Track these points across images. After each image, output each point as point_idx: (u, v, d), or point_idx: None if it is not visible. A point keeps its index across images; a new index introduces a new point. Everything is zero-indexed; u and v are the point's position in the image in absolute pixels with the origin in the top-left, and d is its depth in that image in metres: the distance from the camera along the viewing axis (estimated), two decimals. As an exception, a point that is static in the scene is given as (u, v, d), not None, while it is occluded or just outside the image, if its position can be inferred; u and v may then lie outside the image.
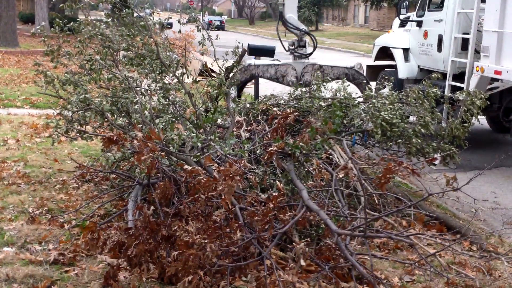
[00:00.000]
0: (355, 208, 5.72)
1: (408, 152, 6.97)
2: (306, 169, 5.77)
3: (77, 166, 7.08)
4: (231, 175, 4.29)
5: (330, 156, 6.38)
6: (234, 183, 4.27)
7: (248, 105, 7.43)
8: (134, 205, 5.00)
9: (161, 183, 4.84)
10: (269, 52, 11.64)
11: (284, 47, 9.71)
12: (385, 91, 7.65)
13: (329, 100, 7.39)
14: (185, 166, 4.74)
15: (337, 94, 7.52)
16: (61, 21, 6.94)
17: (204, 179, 4.47)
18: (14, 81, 15.64)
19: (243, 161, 5.04)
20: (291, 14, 9.50)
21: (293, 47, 9.77)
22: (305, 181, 5.54)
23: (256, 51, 11.40)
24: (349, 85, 7.79)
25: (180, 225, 4.36)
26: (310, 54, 9.73)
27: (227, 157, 5.19)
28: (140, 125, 5.84)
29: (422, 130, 6.95)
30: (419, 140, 6.85)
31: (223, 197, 4.31)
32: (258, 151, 6.03)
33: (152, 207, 4.59)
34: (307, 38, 9.97)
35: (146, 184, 5.34)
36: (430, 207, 6.70)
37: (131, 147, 5.09)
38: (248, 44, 10.96)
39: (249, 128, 6.92)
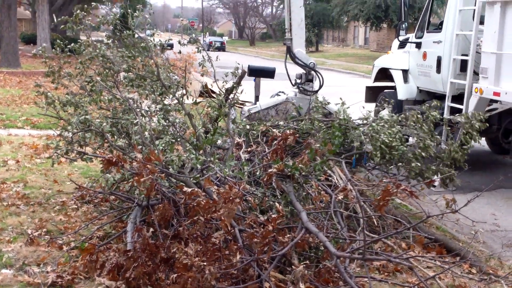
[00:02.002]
0: (354, 230, 5.71)
1: (407, 176, 6.98)
2: (305, 191, 5.77)
3: (77, 187, 7.08)
4: (231, 198, 4.29)
5: (329, 178, 6.38)
6: (234, 206, 4.27)
7: (248, 126, 7.44)
8: (133, 227, 4.99)
9: (160, 205, 4.83)
10: (269, 73, 11.68)
11: (291, 81, 9.56)
12: (385, 113, 7.67)
13: (329, 122, 7.41)
14: (185, 188, 4.74)
15: (336, 115, 7.55)
16: (62, 42, 6.99)
17: (204, 201, 4.46)
18: (15, 102, 15.69)
19: (242, 184, 5.04)
20: (300, 49, 9.49)
21: (300, 81, 9.52)
22: (304, 203, 5.54)
23: (256, 72, 11.44)
24: (348, 107, 7.80)
25: (179, 247, 4.35)
26: (317, 91, 9.35)
27: (227, 179, 5.19)
28: (140, 147, 5.85)
29: (423, 154, 6.96)
30: (418, 164, 6.86)
31: (222, 219, 4.31)
32: (258, 173, 6.03)
33: (151, 229, 4.59)
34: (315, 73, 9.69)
35: (146, 206, 5.33)
36: (429, 229, 6.69)
37: (131, 169, 5.09)
38: (248, 65, 11.01)
39: (249, 149, 6.93)
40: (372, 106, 10.68)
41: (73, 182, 6.96)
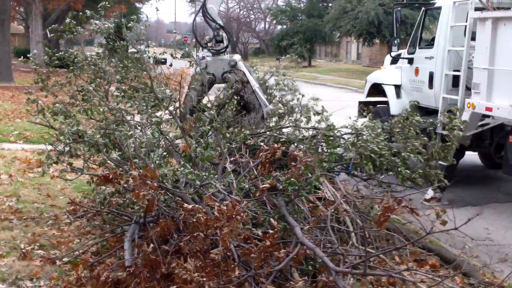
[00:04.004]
0: (346, 242, 5.71)
1: (400, 181, 7.01)
2: (296, 205, 5.76)
3: (70, 202, 7.06)
4: (234, 216, 4.28)
5: (317, 190, 6.36)
6: (238, 224, 4.27)
7: (228, 135, 7.36)
8: (131, 244, 4.96)
9: (161, 220, 4.80)
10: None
11: (199, 43, 9.32)
12: (367, 121, 7.74)
13: (313, 130, 7.44)
14: (185, 205, 4.72)
15: (320, 124, 7.57)
16: (50, 50, 6.96)
17: (204, 218, 4.45)
18: (8, 116, 15.67)
19: (245, 202, 5.02)
20: (213, 5, 9.13)
21: (210, 44, 9.14)
22: (297, 217, 5.54)
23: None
24: (331, 114, 7.79)
25: (178, 262, 4.34)
26: (225, 49, 9.04)
27: (229, 197, 5.13)
28: (135, 160, 5.83)
29: (411, 155, 6.99)
30: (408, 171, 6.89)
31: (222, 236, 4.30)
32: (246, 186, 5.99)
33: (151, 245, 4.57)
34: (224, 34, 9.27)
35: (142, 223, 5.28)
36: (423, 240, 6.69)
37: (127, 185, 5.05)
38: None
39: (232, 159, 6.89)
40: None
41: (68, 197, 6.94)
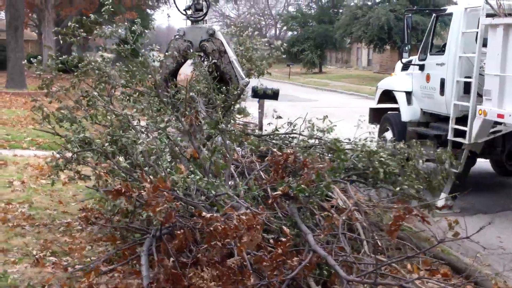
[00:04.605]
0: (357, 250, 5.69)
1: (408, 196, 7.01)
2: (308, 211, 5.76)
3: (81, 208, 7.10)
4: (254, 225, 4.27)
5: (328, 198, 6.35)
6: (258, 234, 4.26)
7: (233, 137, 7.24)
8: (147, 258, 4.94)
9: (179, 233, 4.76)
10: (273, 94, 11.72)
11: (179, 10, 8.86)
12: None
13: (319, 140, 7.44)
14: (203, 213, 4.71)
15: (325, 135, 7.56)
16: (53, 55, 6.97)
17: (222, 227, 4.43)
18: (20, 123, 15.77)
19: (265, 212, 5.00)
20: None
21: (189, 11, 8.72)
22: (308, 222, 5.52)
23: (259, 93, 11.49)
24: (336, 125, 7.77)
25: (196, 272, 4.33)
26: (204, 16, 8.65)
27: (250, 209, 5.10)
28: (145, 168, 5.84)
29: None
30: (420, 186, 6.89)
31: (239, 245, 4.29)
32: (255, 191, 5.97)
33: (171, 259, 4.56)
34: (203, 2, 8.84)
35: (159, 236, 5.19)
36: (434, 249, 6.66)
37: (139, 197, 5.00)
38: (252, 87, 11.05)
39: (234, 160, 6.87)
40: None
41: (79, 203, 6.96)
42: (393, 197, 7.04)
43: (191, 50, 8.14)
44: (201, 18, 8.62)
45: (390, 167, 6.82)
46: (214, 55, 8.15)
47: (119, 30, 7.41)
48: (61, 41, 7.33)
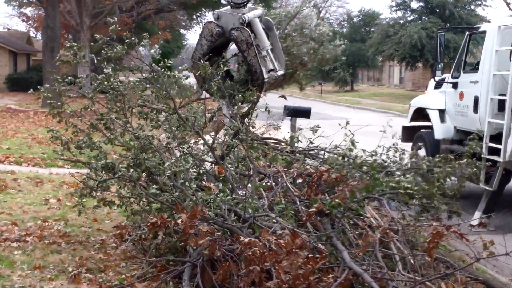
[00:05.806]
0: (391, 268, 5.64)
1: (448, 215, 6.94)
2: (342, 229, 5.73)
3: (115, 226, 7.19)
4: (293, 250, 4.27)
5: (361, 216, 6.32)
6: (298, 258, 4.25)
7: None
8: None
9: (224, 264, 4.73)
10: (305, 113, 11.78)
11: None
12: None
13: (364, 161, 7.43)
14: (241, 238, 4.71)
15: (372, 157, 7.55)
16: (61, 78, 7.03)
17: (260, 251, 4.43)
18: (56, 142, 16.00)
19: (303, 235, 4.98)
20: None
21: None
22: (343, 239, 5.50)
23: (292, 112, 11.56)
24: (355, 147, 7.71)
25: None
26: (246, 2, 8.00)
27: (288, 230, 5.08)
28: (176, 192, 5.84)
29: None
30: (456, 202, 6.85)
31: (277, 269, 4.29)
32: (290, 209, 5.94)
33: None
34: None
35: (201, 264, 5.05)
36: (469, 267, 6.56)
37: (176, 228, 4.97)
38: (284, 105, 11.12)
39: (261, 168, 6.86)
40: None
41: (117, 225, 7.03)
42: (426, 214, 6.99)
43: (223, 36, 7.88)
44: (241, 4, 7.98)
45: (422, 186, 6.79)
46: (242, 45, 7.81)
47: (152, 51, 7.53)
48: (95, 61, 7.46)
